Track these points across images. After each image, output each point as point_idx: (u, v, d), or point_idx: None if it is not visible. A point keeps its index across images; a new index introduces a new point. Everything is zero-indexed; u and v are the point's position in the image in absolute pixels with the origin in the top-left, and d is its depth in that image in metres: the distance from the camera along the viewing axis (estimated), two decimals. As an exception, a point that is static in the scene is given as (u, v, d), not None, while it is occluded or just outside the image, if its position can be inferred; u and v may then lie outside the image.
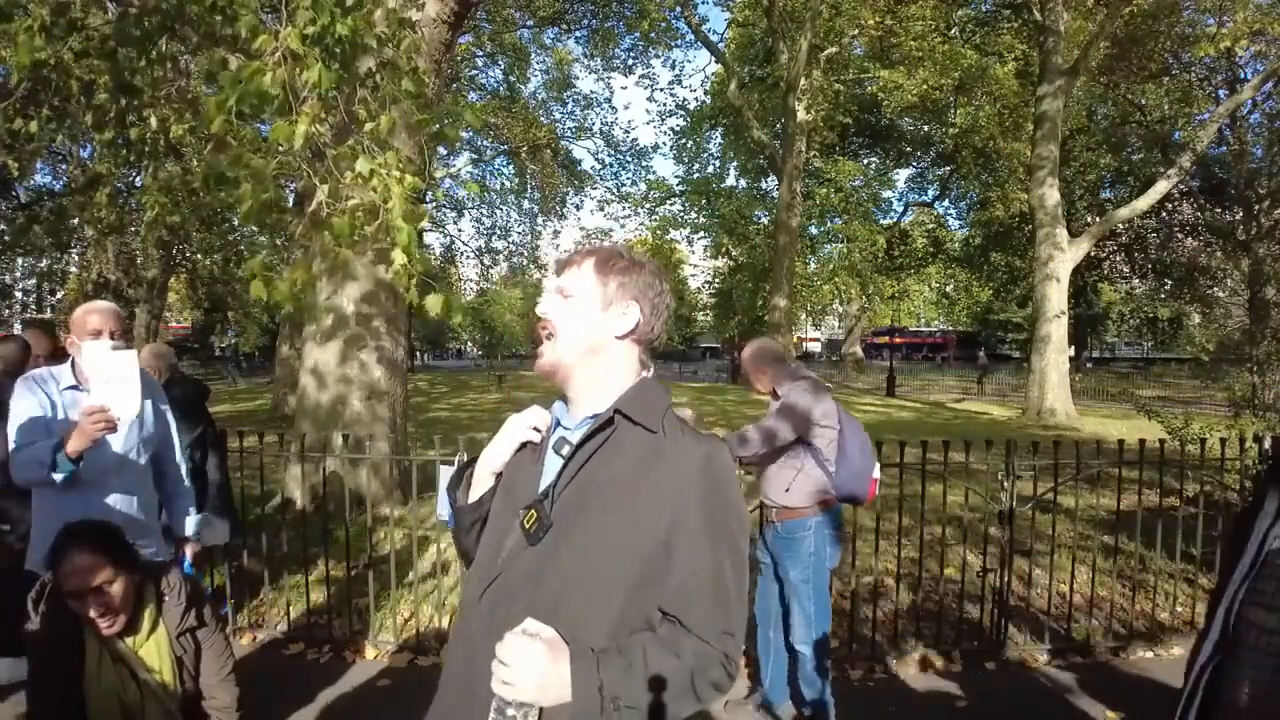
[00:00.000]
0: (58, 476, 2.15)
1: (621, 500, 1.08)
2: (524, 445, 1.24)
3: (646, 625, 1.08)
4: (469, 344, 62.07)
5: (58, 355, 4.70)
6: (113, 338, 2.34)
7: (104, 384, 2.15)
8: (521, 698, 0.97)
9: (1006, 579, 3.70)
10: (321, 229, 3.28)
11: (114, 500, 2.36)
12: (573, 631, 1.03)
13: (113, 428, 2.15)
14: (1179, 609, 4.03)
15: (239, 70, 2.87)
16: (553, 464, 1.17)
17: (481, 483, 1.27)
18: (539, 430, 1.23)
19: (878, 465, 3.08)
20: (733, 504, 1.14)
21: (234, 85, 2.84)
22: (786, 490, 2.88)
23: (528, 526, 1.11)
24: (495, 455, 1.25)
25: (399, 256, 3.31)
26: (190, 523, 2.71)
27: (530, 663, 0.97)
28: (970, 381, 27.33)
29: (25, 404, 2.28)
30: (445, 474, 3.49)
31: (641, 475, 1.09)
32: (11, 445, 2.23)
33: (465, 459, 1.35)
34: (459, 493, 1.30)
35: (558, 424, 1.23)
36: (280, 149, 3.14)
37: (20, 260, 23.64)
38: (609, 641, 1.04)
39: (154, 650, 1.91)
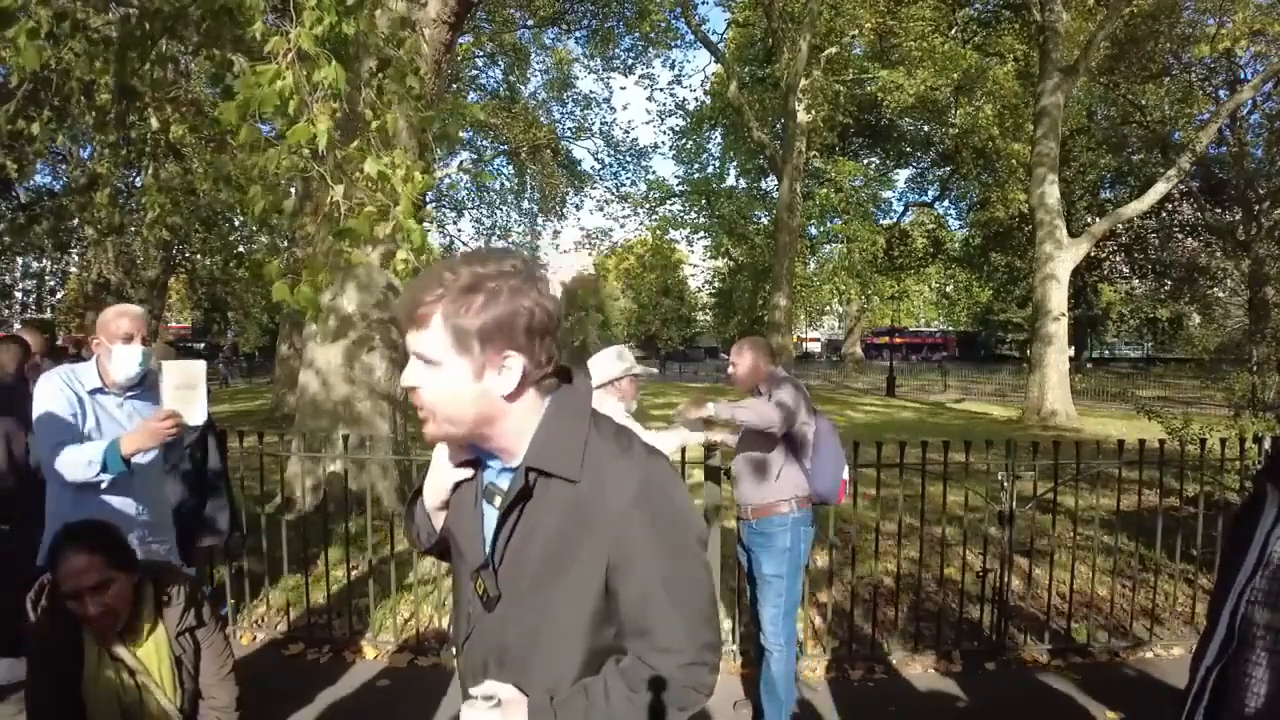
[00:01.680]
0: (106, 476, 2.20)
1: (561, 556, 1.03)
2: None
3: (617, 658, 1.07)
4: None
5: (55, 354, 4.69)
6: (144, 343, 2.38)
7: (174, 390, 2.24)
8: None
9: (1006, 579, 3.70)
10: (335, 230, 3.29)
11: (131, 500, 2.37)
12: (545, 684, 1.04)
13: (181, 433, 2.24)
14: (1179, 609, 4.03)
15: (257, 74, 2.87)
16: (489, 516, 1.10)
17: (430, 520, 1.23)
18: (468, 466, 1.14)
19: (847, 467, 3.13)
20: (680, 526, 1.05)
21: (252, 89, 2.84)
22: (775, 480, 2.90)
23: (479, 594, 1.10)
24: (434, 494, 1.18)
25: (402, 254, 3.34)
26: None
27: None
28: (966, 380, 27.34)
29: (54, 402, 2.28)
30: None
31: (575, 526, 1.02)
32: (44, 443, 2.24)
33: (412, 492, 1.29)
34: (418, 530, 1.26)
35: (487, 460, 1.13)
36: (293, 150, 3.15)
37: (20, 260, 23.66)
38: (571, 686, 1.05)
39: (153, 650, 1.90)
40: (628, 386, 3.04)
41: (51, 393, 2.29)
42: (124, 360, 2.33)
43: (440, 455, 1.15)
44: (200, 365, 2.34)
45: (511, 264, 1.01)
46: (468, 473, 1.14)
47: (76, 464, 2.19)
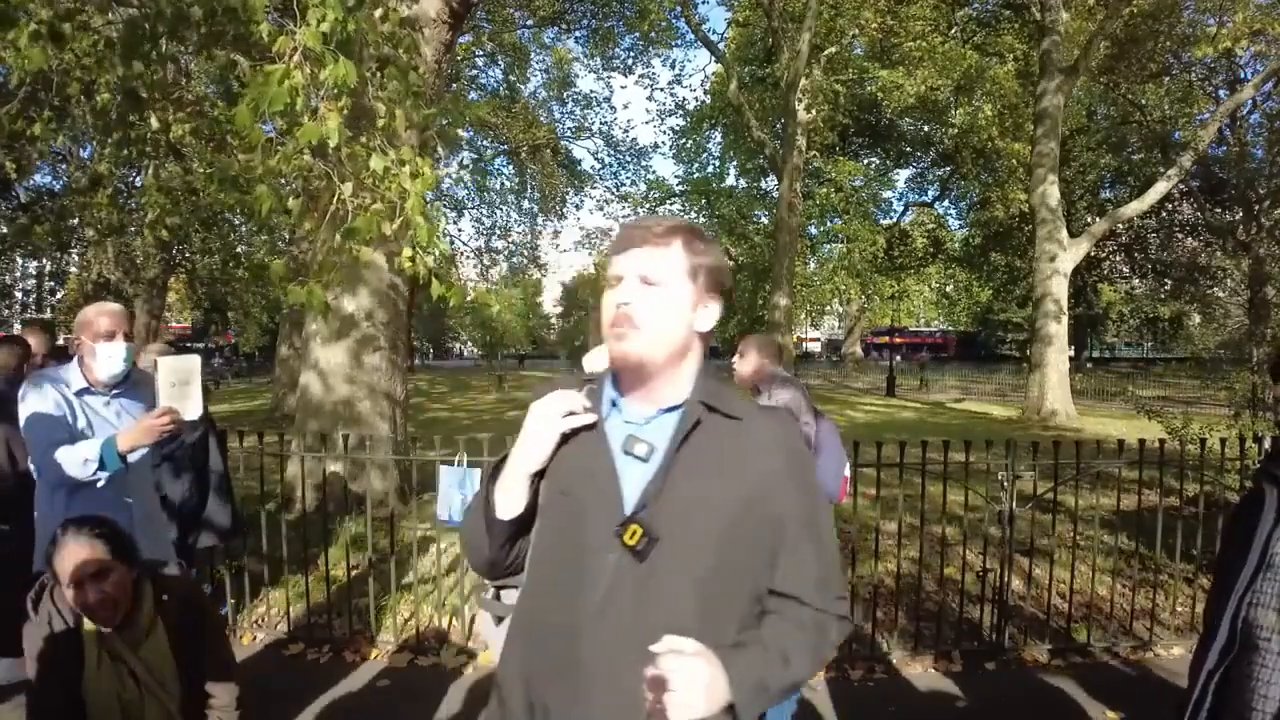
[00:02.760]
0: (103, 475, 2.19)
1: (720, 496, 1.06)
2: (562, 439, 1.12)
3: (760, 608, 1.11)
4: (468, 344, 62.07)
5: (55, 355, 4.69)
6: (127, 339, 2.36)
7: (170, 387, 2.22)
8: (695, 715, 0.94)
9: (1006, 579, 3.70)
10: (344, 230, 3.30)
11: (126, 498, 2.36)
12: (704, 635, 0.99)
13: (178, 429, 2.23)
14: (1179, 609, 4.03)
15: (267, 75, 2.87)
16: (630, 466, 1.08)
17: (519, 489, 1.12)
18: (577, 413, 1.10)
19: (848, 465, 3.14)
20: (814, 473, 1.19)
21: (261, 89, 2.84)
22: None
23: (631, 543, 1.03)
24: (534, 456, 1.11)
25: (407, 251, 3.35)
26: None
27: (697, 678, 0.94)
28: (966, 380, 27.32)
29: (42, 403, 2.27)
30: (445, 474, 3.49)
31: (734, 466, 1.07)
32: (37, 445, 2.23)
33: (497, 459, 1.20)
34: (494, 502, 1.14)
35: (613, 409, 1.13)
36: (300, 150, 3.15)
37: (20, 260, 23.67)
38: (737, 635, 1.06)
39: (153, 650, 1.90)
40: None
41: (39, 395, 2.28)
42: (108, 358, 2.32)
43: (545, 411, 1.10)
44: (195, 360, 2.32)
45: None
46: (579, 421, 1.10)
47: (73, 463, 2.18)
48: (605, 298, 1.11)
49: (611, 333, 1.08)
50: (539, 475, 1.13)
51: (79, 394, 2.34)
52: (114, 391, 2.40)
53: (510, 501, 1.13)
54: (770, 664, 1.03)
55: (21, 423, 2.29)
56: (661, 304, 1.06)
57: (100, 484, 2.22)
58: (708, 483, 1.06)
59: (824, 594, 1.11)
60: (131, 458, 2.33)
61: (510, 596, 1.27)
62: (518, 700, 1.10)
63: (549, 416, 1.10)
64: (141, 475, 2.47)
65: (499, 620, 1.34)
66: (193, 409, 2.27)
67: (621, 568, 1.04)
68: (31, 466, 2.29)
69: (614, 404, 1.14)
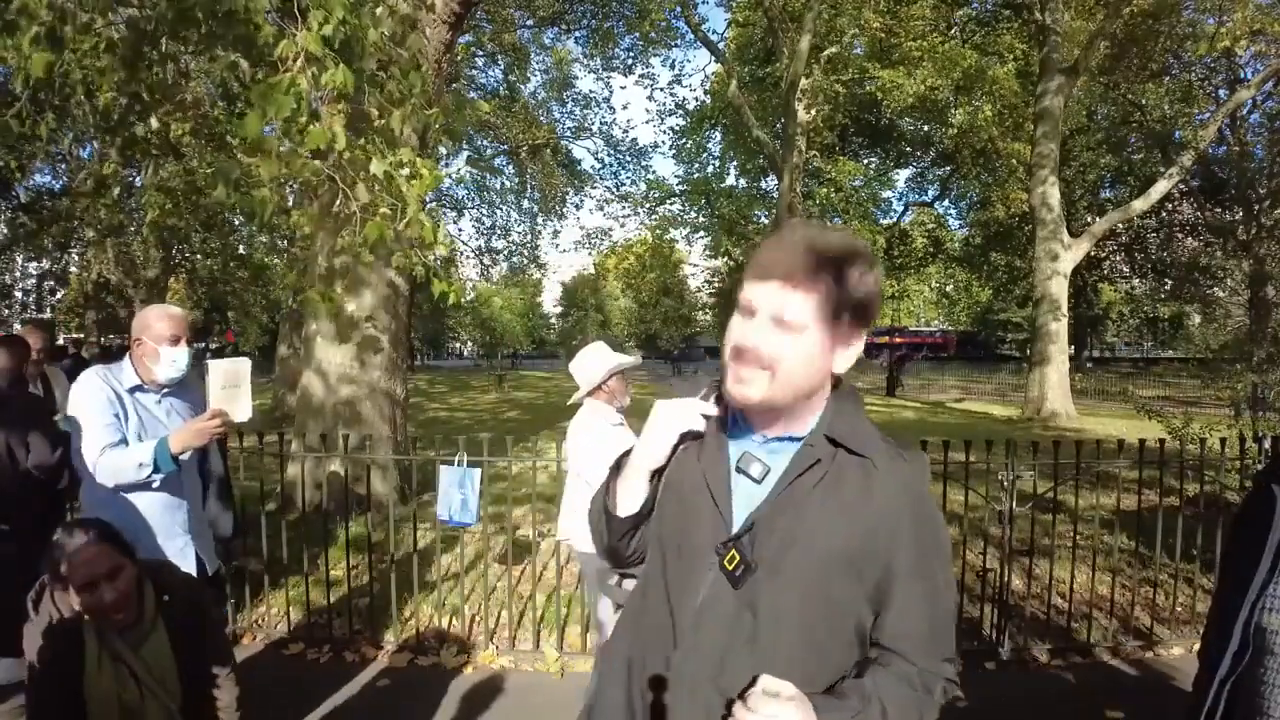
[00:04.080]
0: (157, 477, 2.22)
1: (829, 533, 1.00)
2: (679, 441, 1.09)
3: (863, 655, 1.06)
4: (468, 343, 62.06)
5: (54, 354, 4.68)
6: (189, 345, 2.38)
7: (220, 390, 2.27)
8: None
9: (1006, 579, 3.70)
10: (351, 235, 3.31)
11: (177, 498, 2.38)
12: (799, 677, 0.96)
13: (226, 432, 2.30)
14: (1179, 609, 4.03)
15: (269, 84, 2.88)
16: (743, 487, 1.05)
17: (639, 485, 1.11)
18: (702, 417, 1.08)
19: None
20: (941, 527, 1.08)
21: (266, 96, 2.85)
22: None
23: (730, 567, 1.01)
24: (655, 455, 1.08)
25: (411, 254, 3.37)
26: None
27: None
28: (966, 380, 27.29)
29: (97, 403, 2.27)
30: (445, 474, 3.49)
31: (851, 505, 1.01)
32: (89, 445, 2.23)
33: (614, 462, 1.20)
34: (610, 498, 1.15)
35: (733, 426, 1.09)
36: (306, 153, 3.16)
37: (20, 260, 23.67)
38: (831, 682, 1.01)
39: (153, 650, 1.90)
40: (616, 385, 2.91)
41: (93, 393, 2.28)
42: (171, 362, 2.34)
43: (663, 416, 1.08)
44: (245, 364, 2.36)
45: (867, 244, 1.01)
46: (700, 424, 1.08)
47: (126, 467, 2.19)
48: (734, 322, 1.02)
49: (733, 373, 1.00)
50: (658, 473, 1.12)
51: (131, 391, 2.35)
52: (165, 390, 2.42)
53: (630, 497, 1.12)
54: (867, 718, 0.97)
55: (75, 413, 2.29)
56: (795, 352, 0.96)
57: (155, 485, 2.24)
58: (818, 518, 1.00)
59: (929, 652, 1.04)
60: (183, 457, 2.34)
61: (631, 586, 1.27)
62: (618, 689, 1.10)
63: (672, 417, 1.08)
64: (192, 477, 2.49)
65: (618, 607, 1.35)
66: (242, 412, 2.32)
67: (719, 585, 1.02)
68: (86, 465, 2.27)
69: (735, 418, 1.10)
